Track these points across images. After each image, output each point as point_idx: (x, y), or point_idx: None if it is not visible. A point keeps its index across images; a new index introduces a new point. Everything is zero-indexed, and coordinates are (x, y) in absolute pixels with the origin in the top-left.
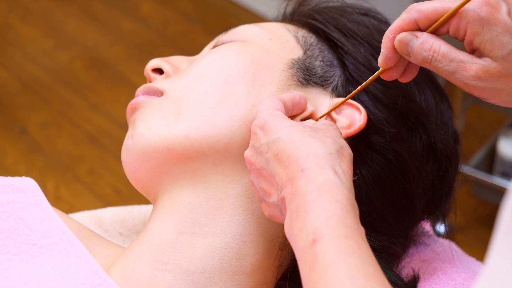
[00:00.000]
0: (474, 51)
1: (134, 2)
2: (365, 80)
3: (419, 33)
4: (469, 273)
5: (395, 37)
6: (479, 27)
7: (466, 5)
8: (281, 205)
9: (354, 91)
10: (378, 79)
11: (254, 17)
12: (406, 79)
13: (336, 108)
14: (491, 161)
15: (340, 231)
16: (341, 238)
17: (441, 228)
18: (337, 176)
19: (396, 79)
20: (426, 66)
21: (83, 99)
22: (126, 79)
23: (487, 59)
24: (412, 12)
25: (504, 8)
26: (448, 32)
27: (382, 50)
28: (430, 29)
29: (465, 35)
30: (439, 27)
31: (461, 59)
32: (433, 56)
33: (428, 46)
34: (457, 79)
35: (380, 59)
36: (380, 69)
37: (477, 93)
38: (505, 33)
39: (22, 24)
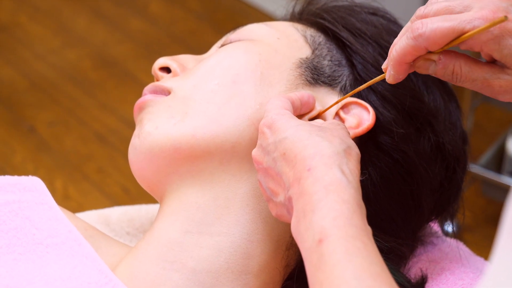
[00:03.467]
0: (495, 61)
1: (143, 0)
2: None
3: (436, 57)
4: (477, 273)
5: (408, 62)
6: (495, 45)
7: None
8: (288, 205)
9: (356, 90)
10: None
11: (262, 16)
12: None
13: (338, 103)
14: (500, 160)
15: (347, 231)
16: (348, 238)
17: (449, 228)
18: (344, 176)
19: (405, 80)
20: (454, 84)
21: (91, 97)
22: (134, 77)
23: (510, 71)
24: (420, 40)
25: None
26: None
27: (392, 72)
28: (441, 49)
29: (480, 51)
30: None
31: (483, 76)
32: (457, 77)
33: (450, 70)
34: (486, 93)
35: (391, 79)
36: (382, 75)
37: (507, 101)
38: None
39: (31, 23)
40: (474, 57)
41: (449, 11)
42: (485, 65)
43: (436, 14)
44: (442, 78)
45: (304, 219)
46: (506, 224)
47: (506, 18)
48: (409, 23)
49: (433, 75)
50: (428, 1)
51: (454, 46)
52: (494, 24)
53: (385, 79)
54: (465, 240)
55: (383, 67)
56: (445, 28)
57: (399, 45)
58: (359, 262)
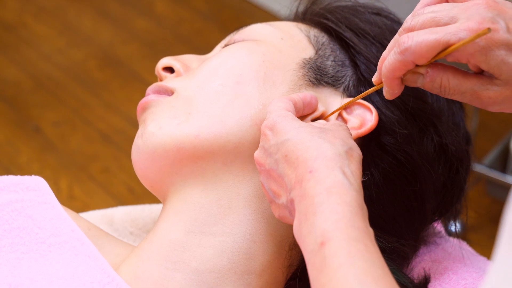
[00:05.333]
0: (483, 72)
1: (148, 0)
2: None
3: (423, 71)
4: (480, 273)
5: (398, 77)
6: (482, 56)
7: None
8: (290, 207)
9: (357, 97)
10: None
11: (268, 16)
12: None
13: (344, 107)
14: (504, 160)
15: (349, 234)
16: (350, 240)
17: (453, 227)
18: (346, 178)
19: None
20: (443, 96)
21: (97, 97)
22: (139, 77)
23: (498, 82)
24: (407, 54)
25: (502, 26)
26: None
27: (386, 88)
28: (428, 62)
29: (467, 62)
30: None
31: (472, 88)
32: (445, 90)
33: (437, 84)
34: (476, 105)
35: (388, 95)
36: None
37: (496, 111)
38: (511, 53)
39: (36, 22)
40: (462, 69)
41: (435, 23)
42: (473, 77)
43: (422, 26)
44: (430, 91)
45: (306, 222)
46: (506, 229)
47: (489, 30)
48: (397, 36)
49: (421, 88)
50: (414, 11)
51: (441, 58)
52: (478, 36)
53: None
54: (469, 240)
55: (373, 80)
56: (431, 41)
57: (387, 61)
58: (361, 265)
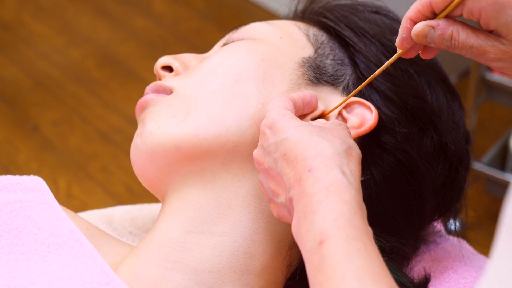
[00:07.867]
0: (492, 31)
1: None
2: (376, 80)
3: (434, 23)
4: (480, 272)
5: (412, 20)
6: (493, 12)
7: None
8: (289, 206)
9: (365, 82)
10: (389, 79)
11: (267, 15)
12: (428, 56)
13: (345, 102)
14: (503, 158)
15: (348, 232)
16: (348, 239)
17: (452, 226)
18: (345, 176)
19: (408, 79)
20: (451, 51)
21: (95, 96)
22: (138, 76)
23: (505, 41)
24: None
25: None
26: (462, 14)
27: (399, 31)
28: (443, 14)
29: (480, 18)
30: (452, 9)
31: (479, 43)
32: (454, 44)
33: (448, 36)
34: (480, 61)
35: (397, 40)
36: (398, 52)
37: (499, 71)
38: None
39: (34, 21)
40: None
41: None
42: (481, 33)
43: None
44: (440, 46)
45: (304, 220)
46: (504, 224)
47: None
48: None
49: (431, 45)
50: None
51: (456, 12)
52: None
53: (389, 77)
54: (469, 238)
55: (396, 43)
56: None
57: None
58: (360, 263)
